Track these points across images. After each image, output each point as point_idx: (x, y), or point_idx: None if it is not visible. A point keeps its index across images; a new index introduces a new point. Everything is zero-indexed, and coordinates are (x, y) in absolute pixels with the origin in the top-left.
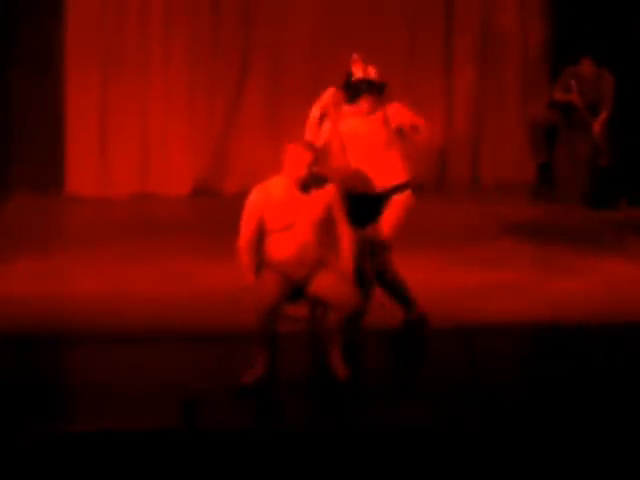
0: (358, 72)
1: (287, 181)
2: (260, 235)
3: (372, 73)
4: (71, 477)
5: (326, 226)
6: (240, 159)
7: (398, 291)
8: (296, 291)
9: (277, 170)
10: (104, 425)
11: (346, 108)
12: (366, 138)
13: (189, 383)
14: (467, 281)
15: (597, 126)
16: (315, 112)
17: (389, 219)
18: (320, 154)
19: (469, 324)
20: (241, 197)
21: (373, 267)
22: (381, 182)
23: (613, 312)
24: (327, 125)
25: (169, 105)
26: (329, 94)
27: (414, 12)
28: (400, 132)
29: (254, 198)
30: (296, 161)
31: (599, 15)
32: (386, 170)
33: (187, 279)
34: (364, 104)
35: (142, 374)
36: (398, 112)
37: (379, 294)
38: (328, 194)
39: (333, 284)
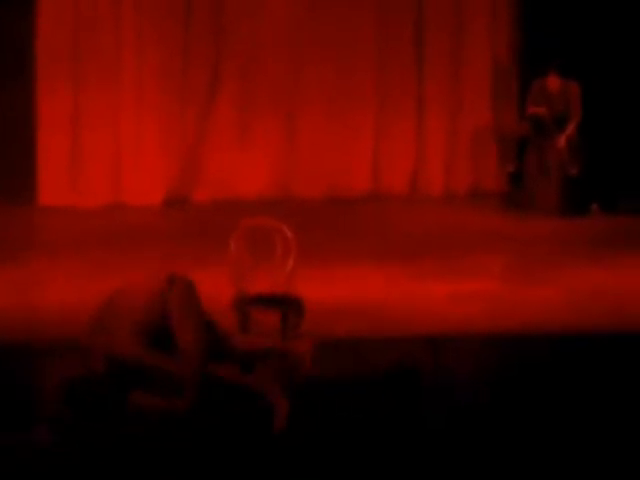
0: None
1: None
2: None
3: None
4: None
5: None
6: (212, 169)
7: None
8: None
9: (248, 180)
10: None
11: None
12: None
13: None
14: (438, 290)
15: (562, 139)
16: None
17: None
18: None
19: (438, 332)
20: (212, 207)
21: None
22: None
23: (583, 321)
24: None
25: (141, 115)
26: None
27: (384, 23)
28: None
29: None
30: None
31: (567, 26)
32: None
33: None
34: None
35: None
36: None
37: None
38: None
39: None
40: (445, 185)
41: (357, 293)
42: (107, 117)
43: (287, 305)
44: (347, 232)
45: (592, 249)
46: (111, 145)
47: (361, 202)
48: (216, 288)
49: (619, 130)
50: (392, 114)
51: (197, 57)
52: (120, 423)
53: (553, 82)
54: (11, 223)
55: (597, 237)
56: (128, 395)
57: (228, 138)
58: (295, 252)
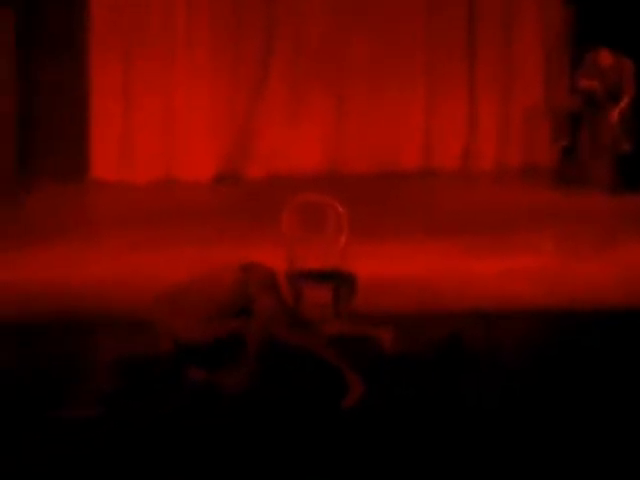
0: None
1: None
2: None
3: None
4: (89, 461)
5: None
6: (263, 145)
7: None
8: None
9: (299, 156)
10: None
11: None
12: None
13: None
14: (489, 266)
15: (615, 114)
16: None
17: None
18: None
19: (488, 308)
20: (264, 183)
21: None
22: None
23: (634, 298)
24: None
25: (192, 90)
26: None
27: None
28: None
29: None
30: None
31: (619, 1)
32: None
33: (209, 265)
34: None
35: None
36: None
37: None
38: None
39: None
40: (497, 160)
41: (407, 269)
42: (159, 93)
43: (339, 280)
44: (398, 208)
45: None
46: (162, 121)
47: (412, 178)
48: (268, 264)
49: None
50: (444, 89)
51: (249, 31)
52: (179, 399)
53: (605, 56)
54: (62, 198)
55: None
56: (188, 372)
57: (279, 114)
58: (347, 227)
